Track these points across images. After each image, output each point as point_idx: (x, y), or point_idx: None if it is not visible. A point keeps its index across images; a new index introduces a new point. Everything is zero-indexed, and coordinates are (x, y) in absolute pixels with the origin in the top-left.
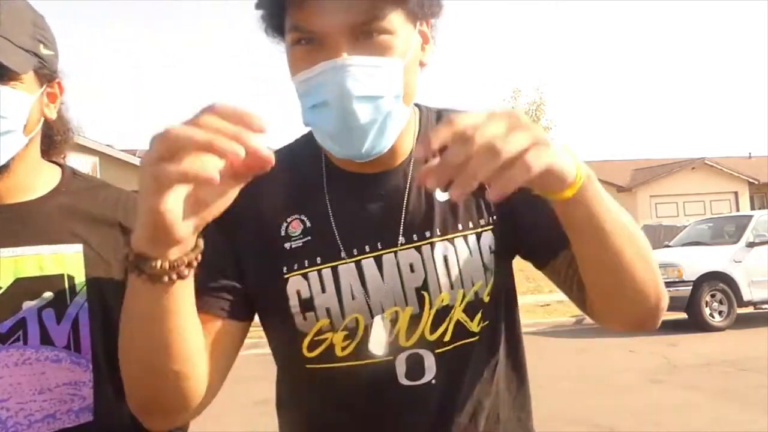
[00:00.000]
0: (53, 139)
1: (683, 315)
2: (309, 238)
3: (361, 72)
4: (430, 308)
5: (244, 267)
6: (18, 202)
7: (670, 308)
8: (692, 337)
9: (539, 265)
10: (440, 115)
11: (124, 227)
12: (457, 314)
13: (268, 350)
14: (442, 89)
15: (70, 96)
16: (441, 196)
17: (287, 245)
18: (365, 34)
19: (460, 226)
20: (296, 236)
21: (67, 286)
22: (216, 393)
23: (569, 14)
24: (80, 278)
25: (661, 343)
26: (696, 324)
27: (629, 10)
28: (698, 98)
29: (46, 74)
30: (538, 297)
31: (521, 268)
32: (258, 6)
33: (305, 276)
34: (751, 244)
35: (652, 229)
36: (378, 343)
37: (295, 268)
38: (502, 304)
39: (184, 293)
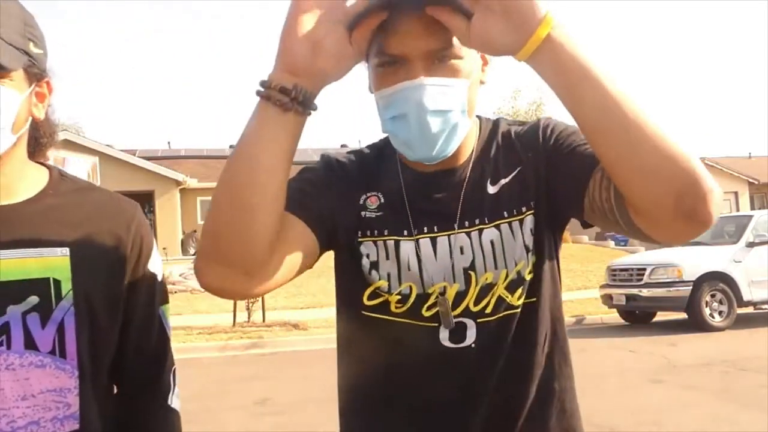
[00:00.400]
0: (39, 141)
1: (683, 315)
2: (381, 213)
3: (435, 90)
4: (476, 285)
5: (334, 211)
6: (4, 205)
7: (670, 308)
8: (692, 337)
9: (582, 209)
10: (496, 124)
11: (111, 231)
12: (500, 290)
13: (268, 350)
14: None
15: (70, 95)
16: (491, 189)
17: (363, 213)
18: (439, 59)
19: (505, 214)
20: (372, 209)
21: (53, 290)
22: (275, 281)
23: (569, 14)
24: (67, 282)
25: (661, 343)
26: (696, 324)
27: (629, 10)
28: (698, 98)
29: (36, 73)
30: None
31: None
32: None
33: (375, 243)
34: (751, 244)
35: None
36: (445, 319)
37: (368, 234)
38: (544, 281)
39: (296, 129)
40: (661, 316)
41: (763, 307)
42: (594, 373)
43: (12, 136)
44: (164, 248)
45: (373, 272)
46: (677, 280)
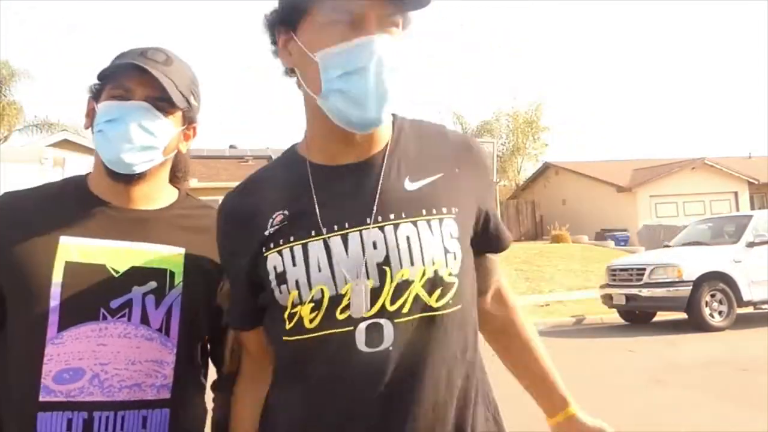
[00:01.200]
0: (176, 172)
1: (683, 315)
2: (286, 222)
3: (394, 49)
4: (391, 282)
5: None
6: (145, 209)
7: (670, 308)
8: (692, 337)
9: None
10: (413, 121)
11: (212, 238)
12: (417, 289)
13: None
14: (443, 90)
15: (71, 95)
16: (409, 185)
17: (267, 232)
18: (389, 24)
19: (424, 212)
20: (276, 224)
21: (168, 279)
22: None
23: (570, 14)
24: (179, 276)
25: (661, 343)
26: (696, 324)
27: (630, 11)
28: (698, 98)
29: (189, 117)
30: (537, 297)
31: (520, 268)
32: None
33: (280, 252)
34: (751, 244)
35: (652, 229)
36: (358, 307)
37: (272, 246)
38: (466, 288)
39: None
40: (661, 316)
41: (763, 307)
42: (594, 373)
43: (162, 156)
44: None
45: (282, 287)
46: (677, 280)
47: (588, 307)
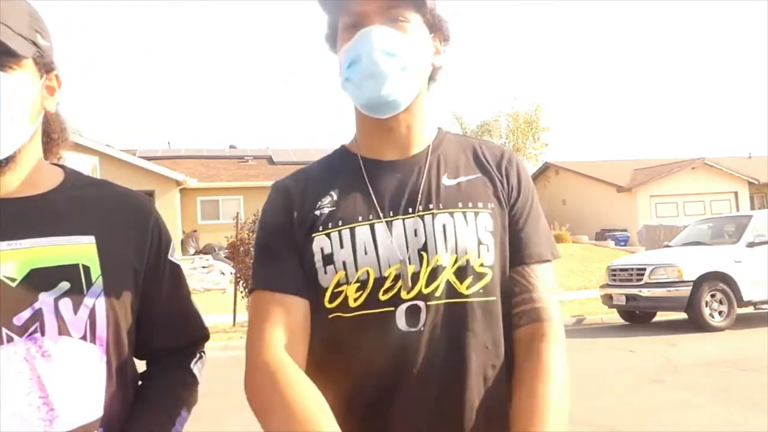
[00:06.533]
0: (51, 136)
1: (683, 315)
2: (335, 207)
3: (385, 34)
4: (427, 266)
5: (299, 250)
6: (27, 196)
7: (670, 308)
8: (692, 337)
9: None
10: (455, 135)
11: (132, 223)
12: (448, 275)
13: None
14: (443, 90)
15: (69, 95)
16: (447, 182)
17: (316, 214)
18: (392, 19)
19: (460, 204)
20: (326, 205)
21: (83, 276)
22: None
23: (570, 14)
24: (96, 269)
25: (661, 343)
26: (696, 324)
27: (630, 11)
28: (698, 98)
29: (45, 64)
30: None
31: None
32: (322, 6)
33: (328, 235)
34: (751, 244)
35: (652, 229)
36: (400, 289)
37: (320, 229)
38: (496, 282)
39: None
40: (661, 316)
41: (763, 307)
42: (594, 373)
43: (30, 126)
44: None
45: (328, 268)
46: (677, 280)
47: (588, 307)
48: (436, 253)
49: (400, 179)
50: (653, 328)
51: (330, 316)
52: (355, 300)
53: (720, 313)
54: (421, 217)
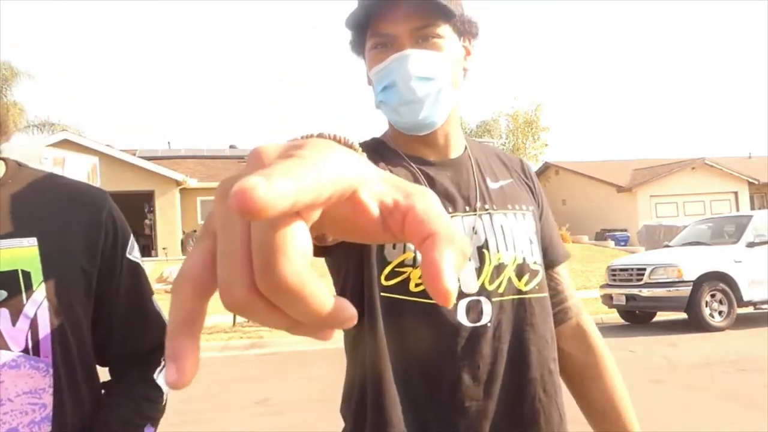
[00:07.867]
0: None
1: (683, 315)
2: None
3: (420, 59)
4: (489, 264)
5: None
6: None
7: (670, 308)
8: (692, 337)
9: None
10: (472, 140)
11: (81, 219)
12: (509, 273)
13: (268, 350)
14: None
15: (70, 95)
16: (492, 184)
17: None
18: (423, 38)
19: (509, 206)
20: None
21: (22, 283)
22: None
23: (570, 14)
24: (37, 274)
25: (661, 343)
26: (696, 324)
27: (630, 11)
28: (698, 98)
29: None
30: None
31: None
32: (348, 25)
33: None
34: (751, 244)
35: (652, 229)
36: (466, 284)
37: None
38: (545, 279)
39: None
40: (661, 316)
41: (763, 307)
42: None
43: None
44: (164, 248)
45: (398, 245)
46: (677, 280)
47: (588, 307)
48: (498, 251)
49: (451, 178)
50: (653, 328)
51: (385, 294)
52: (417, 285)
53: (720, 313)
54: (480, 216)
